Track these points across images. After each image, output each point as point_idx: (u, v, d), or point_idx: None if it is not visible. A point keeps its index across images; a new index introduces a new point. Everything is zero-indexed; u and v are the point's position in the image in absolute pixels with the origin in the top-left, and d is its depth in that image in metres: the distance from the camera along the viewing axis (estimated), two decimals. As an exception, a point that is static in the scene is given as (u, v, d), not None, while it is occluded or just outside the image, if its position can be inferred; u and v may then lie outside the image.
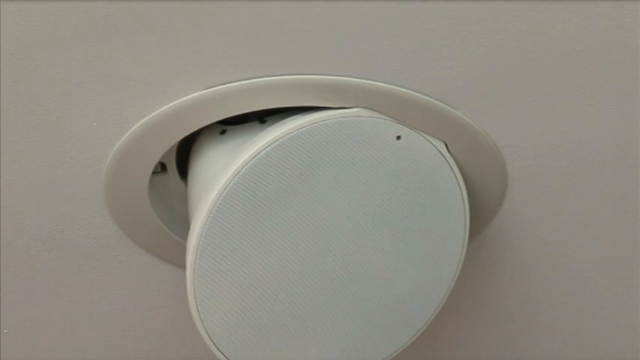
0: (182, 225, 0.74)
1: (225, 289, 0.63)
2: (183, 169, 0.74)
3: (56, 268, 0.74)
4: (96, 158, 0.68)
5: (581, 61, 0.66)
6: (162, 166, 0.74)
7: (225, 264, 0.63)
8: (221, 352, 0.65)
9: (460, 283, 0.73)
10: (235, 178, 0.62)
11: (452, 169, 0.69)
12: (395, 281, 0.70)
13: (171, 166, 0.74)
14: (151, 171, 0.69)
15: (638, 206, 0.77)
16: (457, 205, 0.71)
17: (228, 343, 0.65)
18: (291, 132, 0.63)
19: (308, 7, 0.60)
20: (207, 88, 0.64)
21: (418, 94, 0.66)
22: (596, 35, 0.65)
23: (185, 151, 0.74)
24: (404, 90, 0.66)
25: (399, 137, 0.67)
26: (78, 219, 0.71)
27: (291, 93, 0.64)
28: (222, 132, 0.70)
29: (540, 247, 0.81)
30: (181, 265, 0.69)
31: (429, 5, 0.61)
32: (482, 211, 0.77)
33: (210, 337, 0.64)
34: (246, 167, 0.62)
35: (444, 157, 0.69)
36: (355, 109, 0.65)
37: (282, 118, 0.65)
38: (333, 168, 0.65)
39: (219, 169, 0.64)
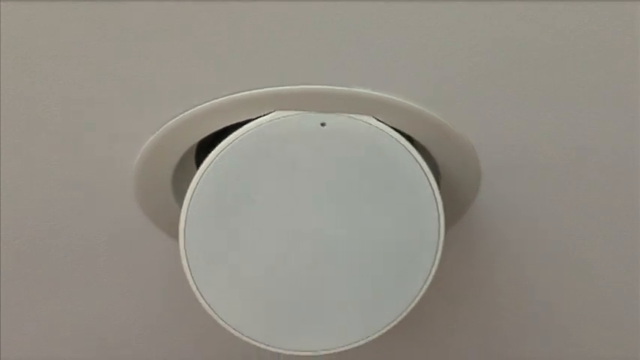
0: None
1: (221, 278, 0.77)
2: None
3: (92, 250, 0.88)
4: (127, 156, 0.79)
5: (553, 62, 0.73)
6: None
7: (214, 263, 0.76)
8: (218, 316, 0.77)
9: (442, 267, 0.79)
10: (190, 207, 0.75)
11: (391, 136, 0.75)
12: (376, 256, 0.77)
13: None
14: (173, 167, 0.80)
15: (595, 191, 0.85)
16: (412, 167, 0.75)
17: (229, 312, 0.77)
18: (220, 152, 0.73)
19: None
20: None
21: (341, 88, 0.74)
22: (566, 39, 0.71)
23: None
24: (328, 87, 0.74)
25: (323, 124, 0.74)
26: (110, 209, 0.84)
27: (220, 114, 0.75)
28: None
29: (514, 230, 0.88)
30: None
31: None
32: (458, 198, 0.83)
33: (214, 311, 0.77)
34: (195, 192, 0.74)
35: (375, 126, 0.74)
36: (271, 114, 0.73)
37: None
38: (274, 170, 0.74)
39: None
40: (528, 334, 1.01)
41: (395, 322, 0.79)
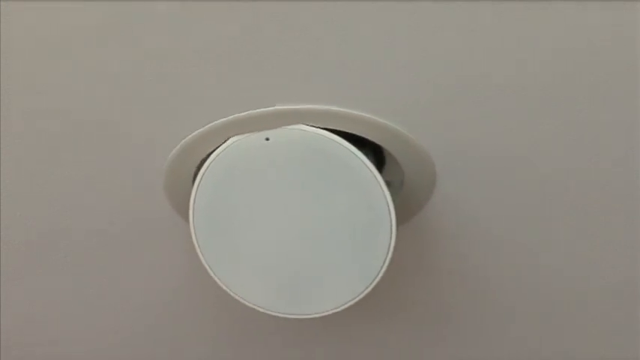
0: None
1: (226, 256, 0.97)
2: None
3: (126, 236, 1.07)
4: (160, 159, 0.97)
5: (510, 68, 0.86)
6: None
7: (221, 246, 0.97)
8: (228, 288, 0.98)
9: (397, 259, 0.93)
10: (194, 226, 0.96)
11: (322, 135, 0.90)
12: (343, 233, 0.94)
13: None
14: (195, 168, 0.98)
15: (537, 194, 1.00)
16: (348, 156, 0.90)
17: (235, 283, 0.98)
18: (201, 178, 0.94)
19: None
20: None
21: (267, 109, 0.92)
22: (508, 46, 0.83)
23: None
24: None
25: (267, 139, 0.91)
26: (142, 202, 1.03)
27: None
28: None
29: (468, 225, 1.05)
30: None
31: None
32: (414, 196, 0.99)
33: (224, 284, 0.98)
34: (194, 207, 0.95)
35: (306, 131, 0.90)
36: (227, 142, 0.92)
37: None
38: (244, 182, 0.93)
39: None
40: (476, 333, 1.19)
41: (371, 287, 0.94)
